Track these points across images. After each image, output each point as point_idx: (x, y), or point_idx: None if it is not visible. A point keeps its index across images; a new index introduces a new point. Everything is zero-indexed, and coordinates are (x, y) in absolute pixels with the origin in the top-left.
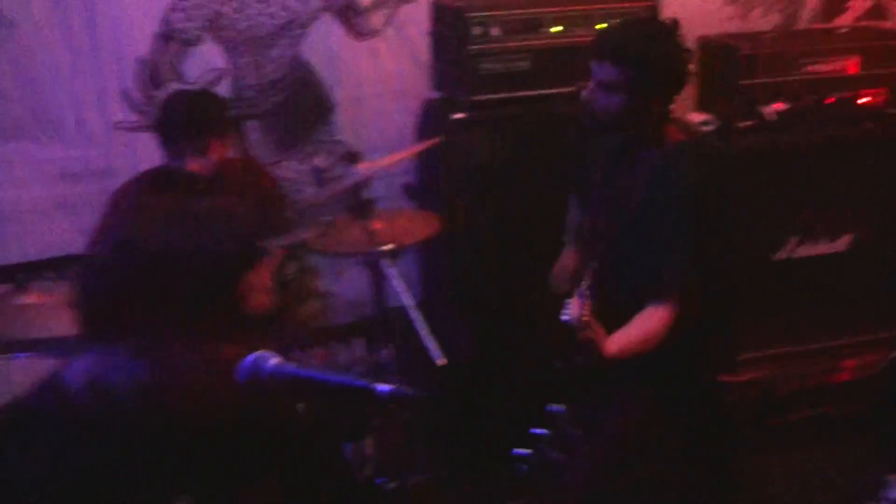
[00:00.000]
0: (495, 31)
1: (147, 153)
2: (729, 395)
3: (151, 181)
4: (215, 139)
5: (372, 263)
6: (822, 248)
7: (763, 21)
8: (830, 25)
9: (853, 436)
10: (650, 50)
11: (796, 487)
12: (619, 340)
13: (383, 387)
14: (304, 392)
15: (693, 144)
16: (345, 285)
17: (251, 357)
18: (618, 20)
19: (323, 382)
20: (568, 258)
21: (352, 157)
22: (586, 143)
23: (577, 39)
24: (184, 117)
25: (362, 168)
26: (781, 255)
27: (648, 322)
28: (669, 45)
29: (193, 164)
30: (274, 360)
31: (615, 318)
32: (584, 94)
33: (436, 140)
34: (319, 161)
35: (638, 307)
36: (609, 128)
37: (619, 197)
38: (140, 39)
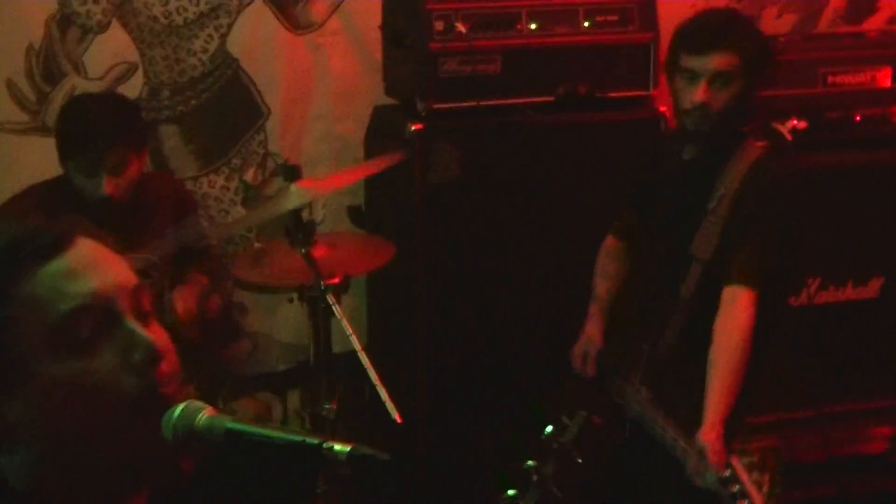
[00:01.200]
0: (461, 27)
1: (37, 161)
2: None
3: (46, 203)
4: (132, 154)
5: (312, 299)
6: (848, 293)
7: (778, 22)
8: (858, 28)
9: None
10: (756, 32)
11: None
12: (715, 403)
13: (340, 445)
14: (244, 451)
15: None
16: (279, 325)
17: (180, 406)
18: (695, 14)
19: (268, 440)
20: (594, 328)
21: (290, 173)
22: (660, 158)
23: (556, 39)
24: (92, 128)
25: (303, 186)
26: (799, 300)
27: (738, 327)
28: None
29: (107, 186)
30: (207, 412)
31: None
32: (697, 97)
33: (398, 155)
34: (249, 176)
35: None
36: (717, 132)
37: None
38: (32, 24)
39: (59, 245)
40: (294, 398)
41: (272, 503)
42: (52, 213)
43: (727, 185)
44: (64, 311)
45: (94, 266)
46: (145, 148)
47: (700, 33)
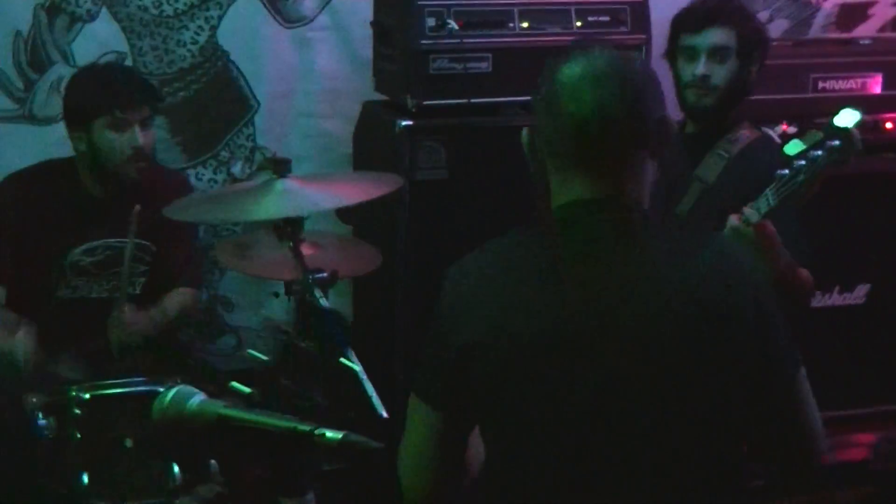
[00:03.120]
0: (452, 24)
1: (26, 146)
2: None
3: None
4: (152, 115)
5: (298, 293)
6: (835, 299)
7: (769, 27)
8: (849, 35)
9: None
10: (750, 13)
11: None
12: None
13: (332, 432)
14: (236, 436)
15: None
16: (262, 321)
17: (172, 390)
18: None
19: (257, 422)
20: None
21: (278, 166)
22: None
23: (547, 39)
24: (125, 83)
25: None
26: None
27: None
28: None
29: (141, 137)
30: (199, 397)
31: None
32: (698, 70)
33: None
34: (237, 170)
35: None
36: (717, 109)
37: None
38: (20, 11)
39: None
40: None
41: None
42: (34, 201)
43: (717, 158)
44: None
45: None
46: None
47: (697, 12)
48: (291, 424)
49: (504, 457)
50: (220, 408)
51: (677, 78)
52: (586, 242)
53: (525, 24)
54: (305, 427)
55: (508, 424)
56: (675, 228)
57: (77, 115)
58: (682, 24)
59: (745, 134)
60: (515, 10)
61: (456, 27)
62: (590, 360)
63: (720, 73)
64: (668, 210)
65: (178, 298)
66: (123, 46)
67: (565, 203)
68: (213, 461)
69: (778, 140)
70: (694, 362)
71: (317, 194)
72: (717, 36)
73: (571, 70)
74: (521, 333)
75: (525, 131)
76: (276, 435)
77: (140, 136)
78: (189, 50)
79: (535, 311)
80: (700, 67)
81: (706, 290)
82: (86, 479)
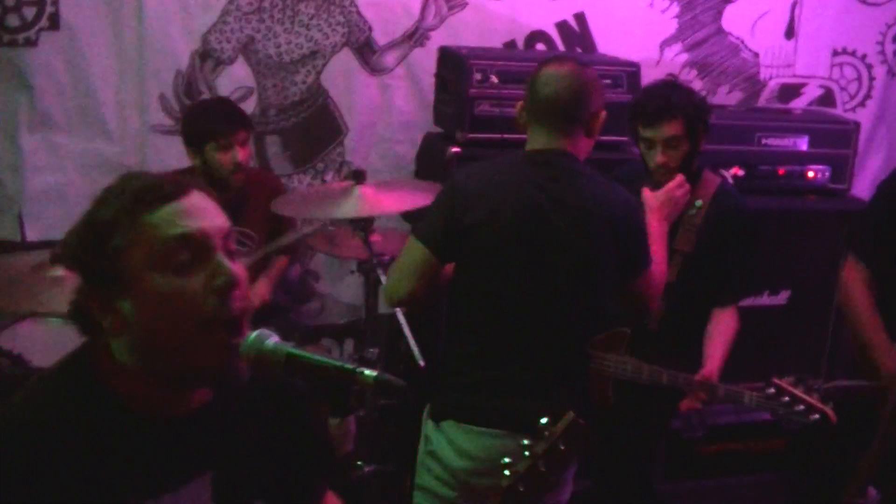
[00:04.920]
0: (493, 79)
1: (178, 153)
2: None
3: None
4: (249, 136)
5: (366, 271)
6: (764, 300)
7: (728, 96)
8: (786, 106)
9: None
10: (694, 100)
11: None
12: (716, 356)
13: (369, 371)
14: (297, 368)
15: (732, 186)
16: (342, 289)
17: (253, 333)
18: (644, 88)
19: (315, 362)
20: None
21: (357, 176)
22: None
23: None
24: (228, 115)
25: (365, 190)
26: None
27: (730, 324)
28: (695, 95)
29: (239, 154)
30: (273, 339)
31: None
32: (658, 160)
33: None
34: (328, 178)
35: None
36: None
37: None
38: (181, 55)
39: (179, 192)
40: (348, 345)
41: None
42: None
43: (698, 201)
44: (173, 235)
45: (201, 210)
46: (249, 136)
47: (649, 108)
48: (340, 363)
49: (470, 278)
50: (289, 348)
51: (643, 159)
52: (546, 171)
53: None
54: (350, 366)
55: (479, 266)
56: (596, 175)
57: (192, 139)
58: (639, 117)
59: (707, 190)
60: None
61: (496, 81)
62: (544, 237)
63: (676, 157)
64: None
65: (277, 264)
66: (252, 83)
67: (535, 149)
68: None
69: (730, 181)
70: (597, 248)
71: (384, 199)
72: (668, 129)
73: (547, 70)
74: (506, 217)
75: (519, 104)
76: (329, 371)
77: (238, 154)
78: (300, 88)
79: (516, 204)
80: (658, 157)
81: (609, 209)
82: None
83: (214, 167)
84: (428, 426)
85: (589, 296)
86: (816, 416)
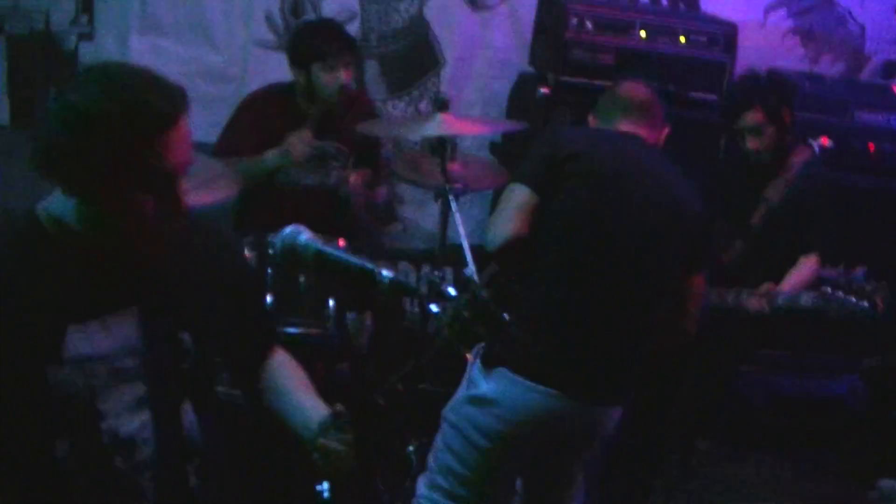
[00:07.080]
0: (589, 25)
1: (277, 68)
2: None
3: (269, 102)
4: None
5: (441, 196)
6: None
7: (831, 68)
8: (884, 83)
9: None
10: (775, 88)
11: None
12: (786, 284)
13: (387, 272)
14: (324, 263)
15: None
16: (424, 216)
17: (288, 228)
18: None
19: (340, 258)
20: None
21: (440, 104)
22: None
23: (659, 47)
24: (341, 38)
25: (447, 118)
26: None
27: (810, 267)
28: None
29: (345, 76)
30: (307, 234)
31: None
32: (748, 146)
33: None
34: (423, 107)
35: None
36: (772, 158)
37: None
38: None
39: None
40: (425, 271)
41: None
42: (265, 111)
43: (784, 179)
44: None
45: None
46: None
47: (730, 102)
48: (362, 263)
49: (563, 209)
50: (319, 245)
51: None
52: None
53: (643, 34)
54: (370, 266)
55: (573, 196)
56: (667, 161)
57: (299, 58)
58: (724, 112)
59: (797, 160)
60: (638, 21)
61: (591, 28)
62: (637, 179)
63: (763, 143)
64: (730, 221)
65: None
66: (356, 8)
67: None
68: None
69: (816, 151)
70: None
71: (462, 126)
72: (749, 119)
73: (623, 84)
74: (604, 150)
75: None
76: (352, 269)
77: (343, 76)
78: (402, 17)
79: (612, 147)
80: (748, 143)
81: (693, 203)
82: (269, 300)
83: (318, 86)
84: (476, 369)
85: (668, 250)
86: (865, 303)
